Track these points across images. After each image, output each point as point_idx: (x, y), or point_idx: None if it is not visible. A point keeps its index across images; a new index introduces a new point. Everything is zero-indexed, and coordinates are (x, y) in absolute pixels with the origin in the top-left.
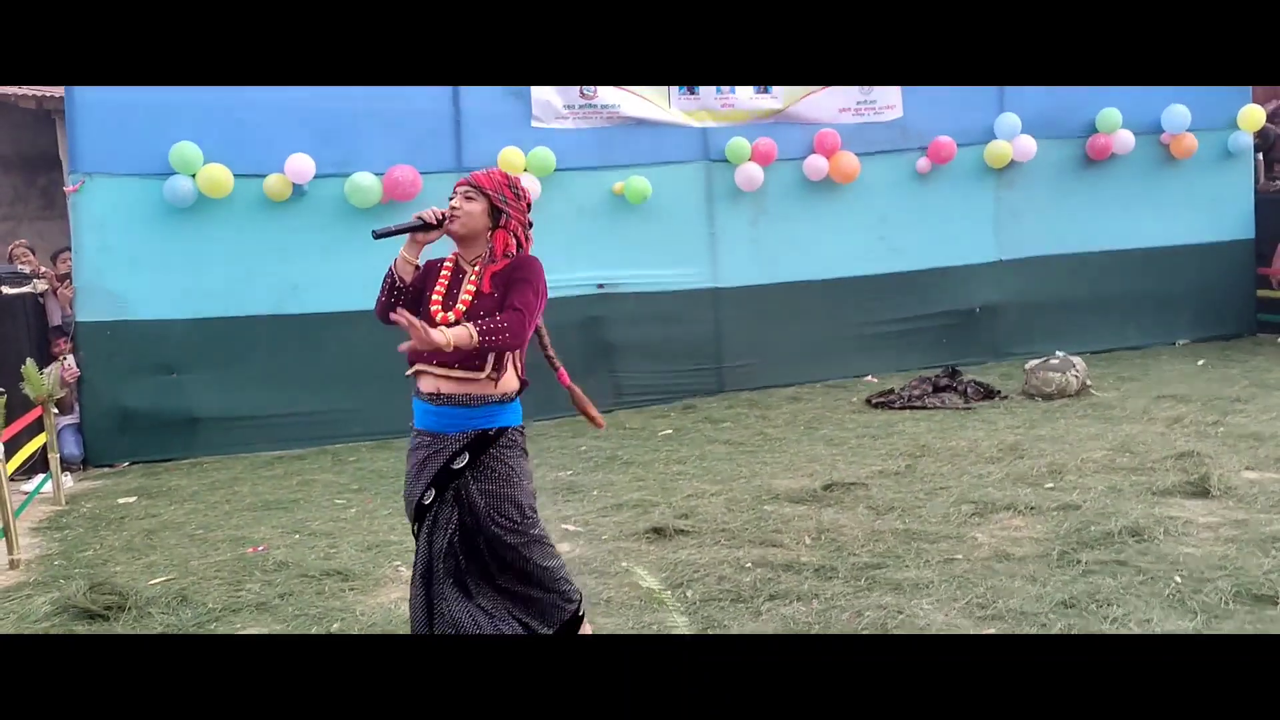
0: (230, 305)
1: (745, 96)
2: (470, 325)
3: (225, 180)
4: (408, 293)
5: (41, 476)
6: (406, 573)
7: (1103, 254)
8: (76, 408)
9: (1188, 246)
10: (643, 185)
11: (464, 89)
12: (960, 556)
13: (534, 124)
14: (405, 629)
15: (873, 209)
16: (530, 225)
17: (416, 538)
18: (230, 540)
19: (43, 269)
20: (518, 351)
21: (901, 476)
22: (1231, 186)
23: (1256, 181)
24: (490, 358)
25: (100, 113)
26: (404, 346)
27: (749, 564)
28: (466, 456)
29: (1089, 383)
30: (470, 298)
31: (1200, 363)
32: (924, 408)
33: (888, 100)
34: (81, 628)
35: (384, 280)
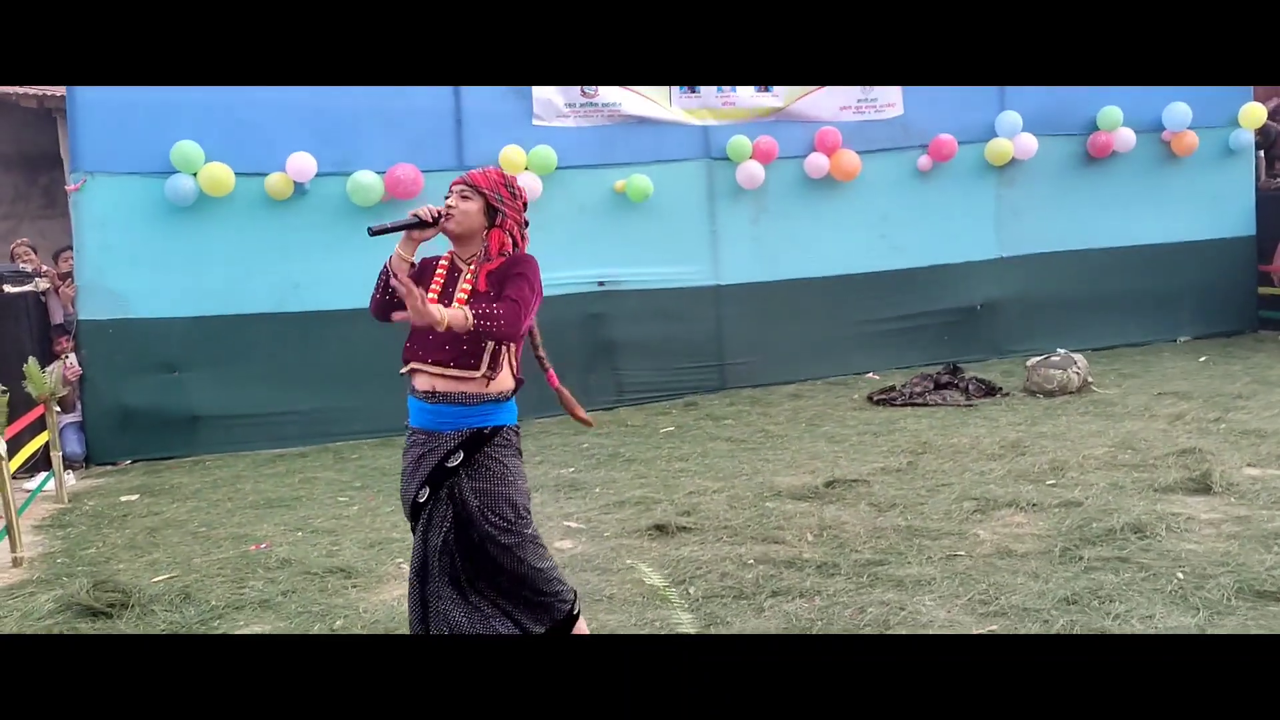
0: (232, 304)
1: (746, 95)
2: (467, 309)
3: (226, 179)
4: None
5: (44, 475)
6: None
7: (1104, 251)
8: (78, 406)
9: (1189, 243)
10: (644, 184)
11: (465, 87)
12: (962, 553)
13: (535, 122)
14: (407, 626)
15: (874, 207)
16: (526, 224)
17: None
18: (233, 538)
19: (44, 267)
20: (513, 350)
21: (903, 473)
22: (1233, 183)
23: (1257, 178)
24: (486, 357)
25: (102, 111)
26: (399, 315)
27: (751, 561)
28: (461, 455)
29: (1090, 380)
30: (466, 296)
31: (1202, 359)
32: (925, 405)
33: (888, 98)
34: (85, 625)
35: (379, 277)
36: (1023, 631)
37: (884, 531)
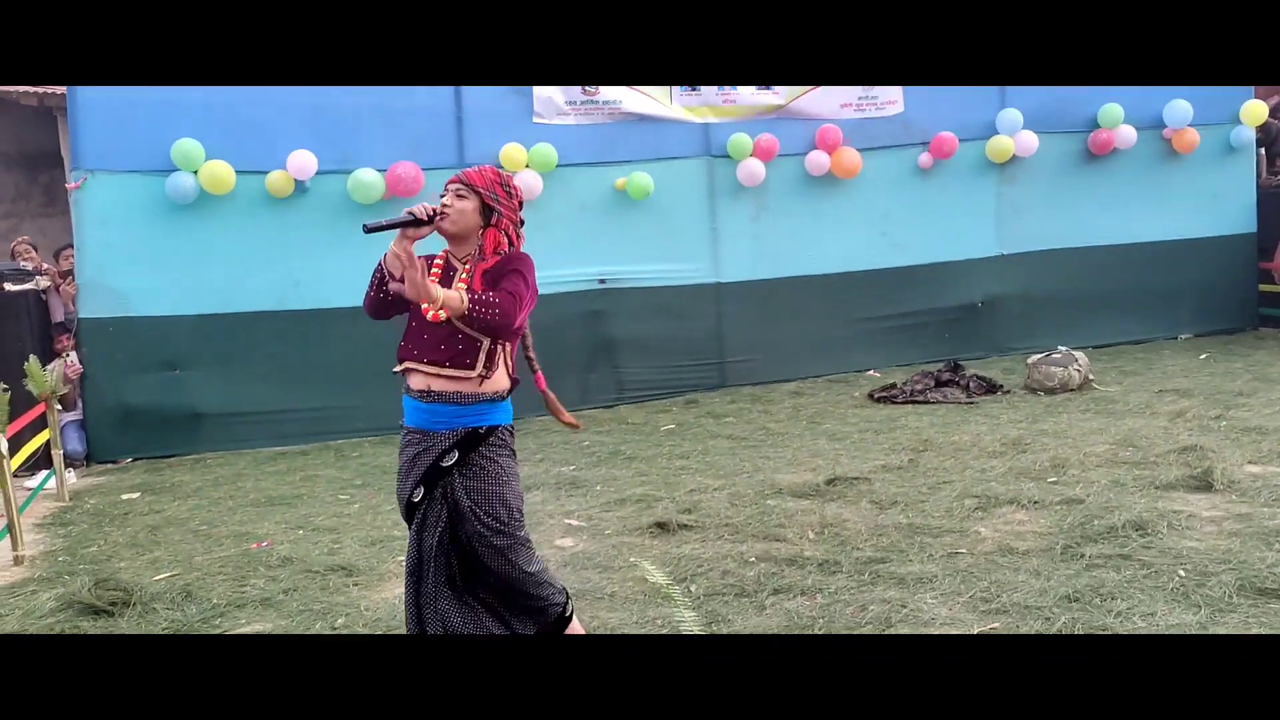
0: (233, 301)
1: (747, 92)
2: (464, 292)
3: (227, 177)
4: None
5: (45, 473)
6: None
7: (1105, 249)
8: (79, 404)
9: (1190, 241)
10: (645, 181)
11: (466, 85)
12: (964, 551)
13: (536, 120)
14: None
15: (875, 204)
16: (522, 224)
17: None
18: (234, 536)
19: (45, 266)
20: (508, 349)
21: (904, 471)
22: (1233, 181)
23: (1258, 176)
24: (482, 356)
25: (102, 110)
26: (395, 287)
27: (752, 558)
28: (456, 454)
29: (1091, 377)
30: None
31: (1203, 357)
32: (926, 402)
33: (889, 96)
34: (87, 624)
35: (373, 275)
36: (1024, 629)
37: (885, 529)
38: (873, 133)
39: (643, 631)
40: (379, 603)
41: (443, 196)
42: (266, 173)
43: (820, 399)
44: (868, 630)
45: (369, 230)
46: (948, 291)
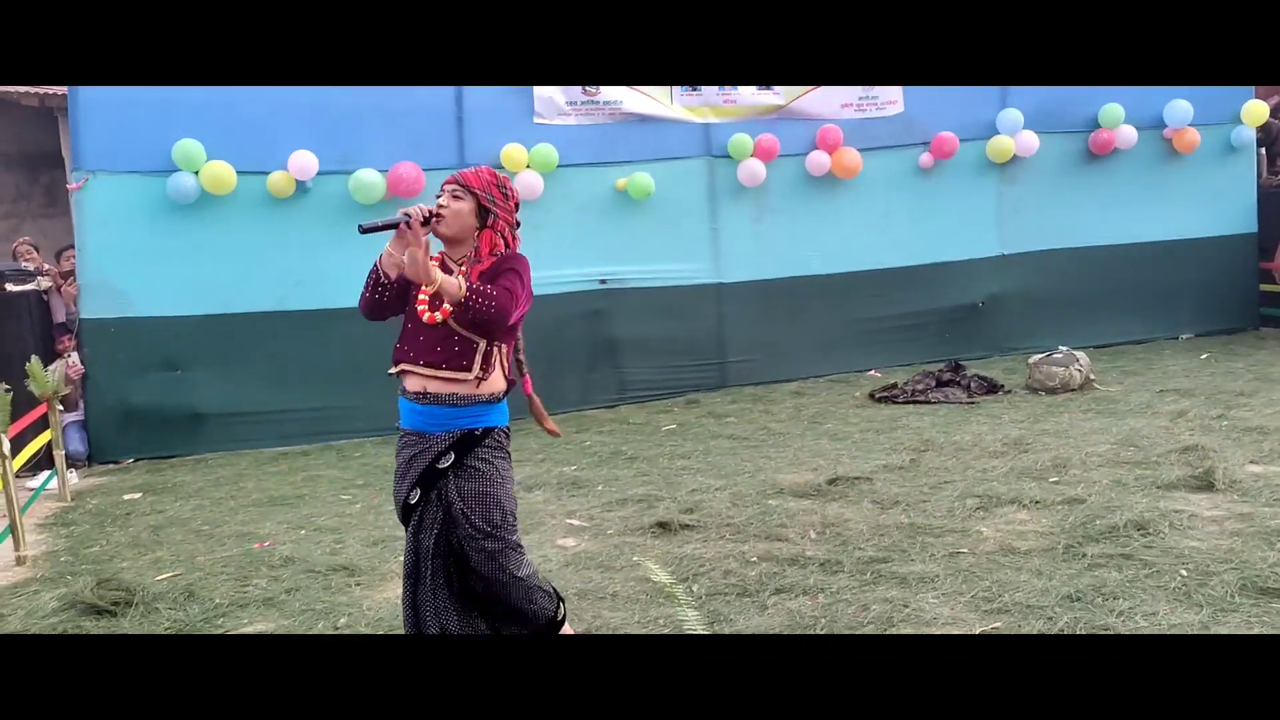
0: (234, 302)
1: (747, 92)
2: (462, 279)
3: (228, 177)
4: (392, 289)
5: (47, 473)
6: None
7: (1105, 249)
8: (81, 404)
9: (1190, 241)
10: (647, 181)
11: (466, 85)
12: (965, 550)
13: (536, 120)
14: None
15: (875, 204)
16: (518, 225)
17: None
18: (236, 536)
19: (46, 266)
20: (504, 351)
21: (906, 471)
22: (1234, 181)
23: (1259, 176)
24: (478, 358)
25: (103, 110)
26: (394, 267)
27: (754, 558)
28: (452, 456)
29: (1092, 377)
30: None
31: (1204, 357)
32: (928, 402)
33: (890, 96)
34: (89, 623)
35: (369, 276)
36: (1026, 628)
37: (887, 529)
38: (873, 133)
39: (645, 631)
40: (381, 602)
41: (439, 197)
42: (267, 173)
43: (821, 399)
44: (869, 630)
45: (364, 231)
46: (949, 291)
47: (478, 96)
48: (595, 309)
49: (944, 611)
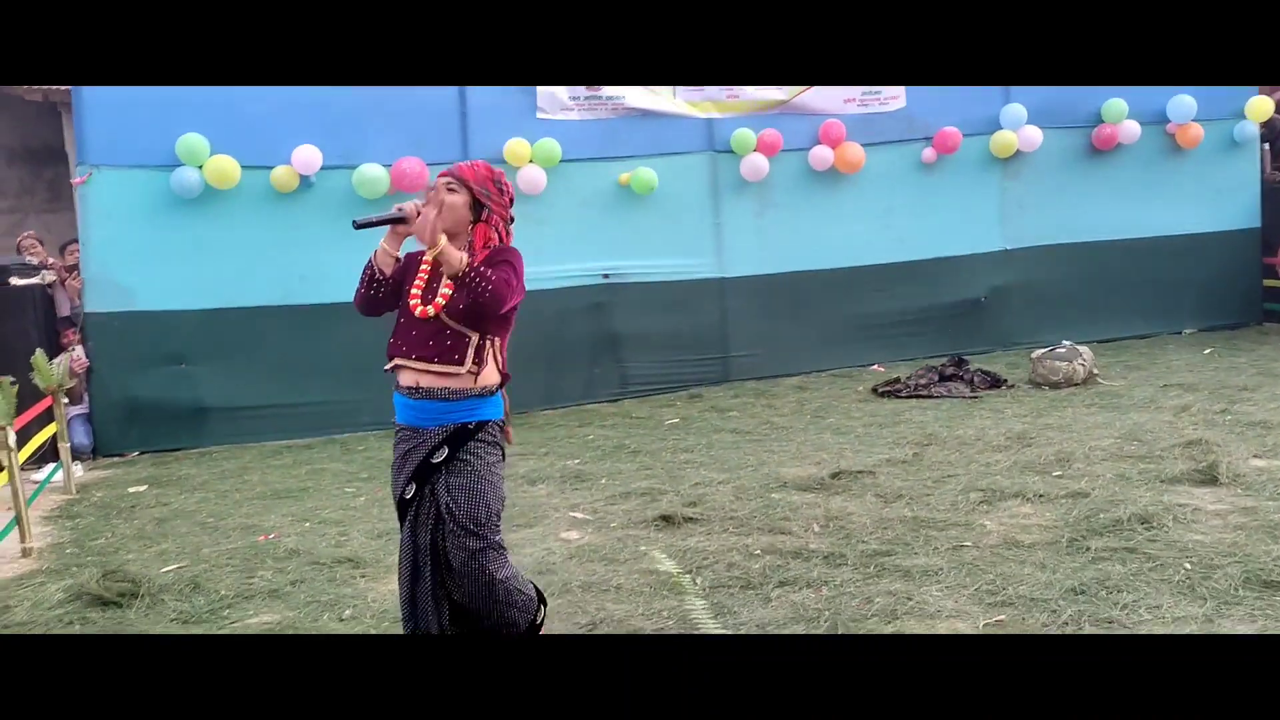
0: (238, 296)
1: (750, 88)
2: (465, 255)
3: (232, 171)
4: (387, 285)
5: (52, 466)
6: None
7: (1109, 243)
8: (86, 398)
9: (1194, 236)
10: (650, 176)
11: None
12: (969, 544)
13: (539, 115)
14: None
15: (878, 199)
16: (512, 220)
17: (402, 532)
18: (241, 528)
19: (51, 260)
20: (498, 344)
21: (909, 465)
22: (1237, 176)
23: (1262, 171)
24: (470, 351)
25: (107, 105)
26: (389, 263)
27: (758, 551)
28: (445, 450)
29: (1096, 371)
30: (450, 291)
31: (1207, 351)
32: (931, 397)
33: (892, 91)
34: (95, 615)
35: (363, 272)
36: (1030, 621)
37: (890, 522)
38: (876, 128)
39: (649, 623)
40: (386, 594)
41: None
42: (271, 168)
43: (824, 393)
44: (873, 622)
45: (358, 227)
46: (951, 286)
47: (481, 92)
48: (598, 303)
49: (948, 604)
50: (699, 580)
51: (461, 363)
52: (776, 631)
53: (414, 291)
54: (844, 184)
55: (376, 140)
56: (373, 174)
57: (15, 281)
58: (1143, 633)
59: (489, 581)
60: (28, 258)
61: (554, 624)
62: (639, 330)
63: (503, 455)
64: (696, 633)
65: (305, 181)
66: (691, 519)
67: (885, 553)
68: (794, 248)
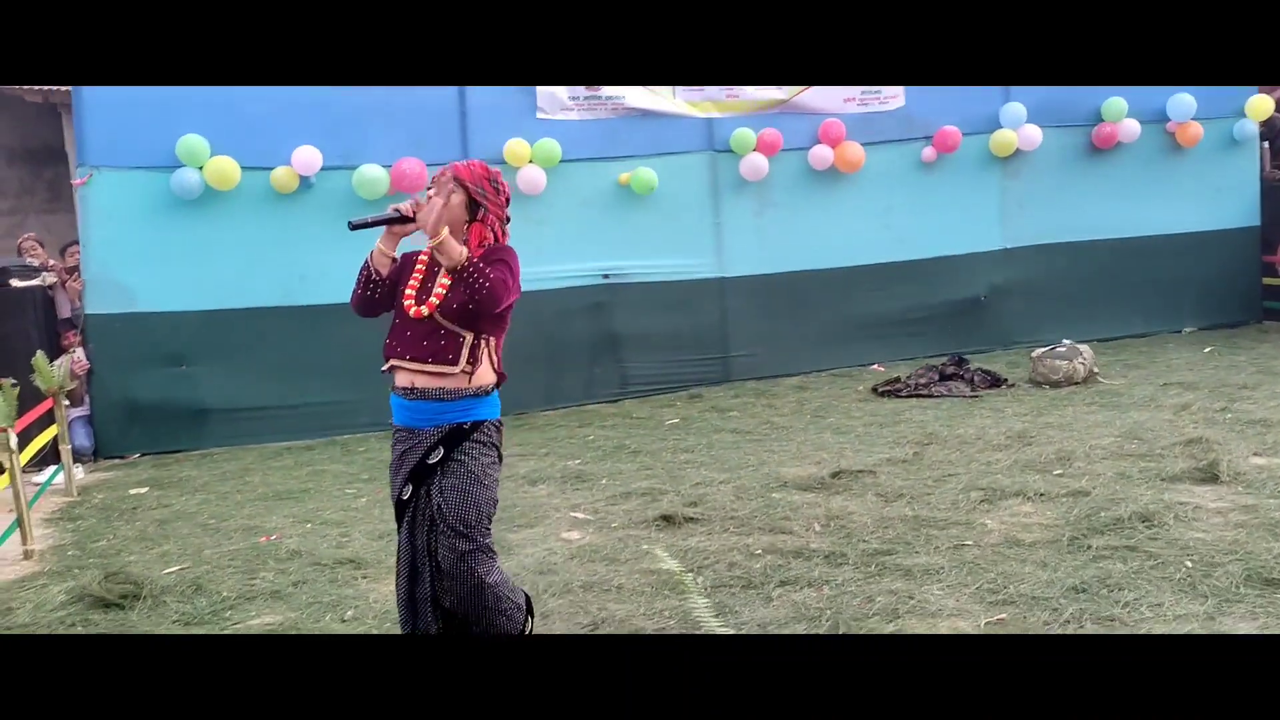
0: (238, 297)
1: (750, 87)
2: (466, 250)
3: (232, 172)
4: (383, 285)
5: (53, 468)
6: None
7: (1108, 242)
8: (86, 400)
9: (1193, 234)
10: (650, 176)
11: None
12: (970, 543)
13: (539, 116)
14: None
15: (878, 198)
16: (508, 220)
17: (399, 533)
18: (243, 530)
19: (51, 262)
20: (493, 344)
21: (909, 464)
22: (1237, 174)
23: (1262, 169)
24: (464, 351)
25: (107, 106)
26: (385, 263)
27: (759, 551)
28: (441, 451)
29: (1096, 370)
30: (444, 291)
31: (1207, 350)
32: (931, 396)
33: (891, 90)
34: (97, 616)
35: (360, 272)
36: (1031, 619)
37: (891, 521)
38: (876, 127)
39: (650, 623)
40: (387, 594)
41: (429, 190)
42: (271, 169)
43: (824, 393)
44: (875, 621)
45: (354, 227)
46: (951, 286)
47: (481, 92)
48: (598, 303)
49: (949, 603)
50: (700, 580)
51: (455, 362)
52: (778, 631)
53: (408, 292)
54: (844, 183)
55: (376, 141)
56: (373, 174)
57: (16, 283)
58: (1144, 631)
59: (478, 585)
60: (28, 259)
61: (555, 624)
62: (639, 330)
63: (499, 457)
64: (697, 633)
65: (305, 182)
66: (692, 519)
67: (886, 552)
68: (794, 247)
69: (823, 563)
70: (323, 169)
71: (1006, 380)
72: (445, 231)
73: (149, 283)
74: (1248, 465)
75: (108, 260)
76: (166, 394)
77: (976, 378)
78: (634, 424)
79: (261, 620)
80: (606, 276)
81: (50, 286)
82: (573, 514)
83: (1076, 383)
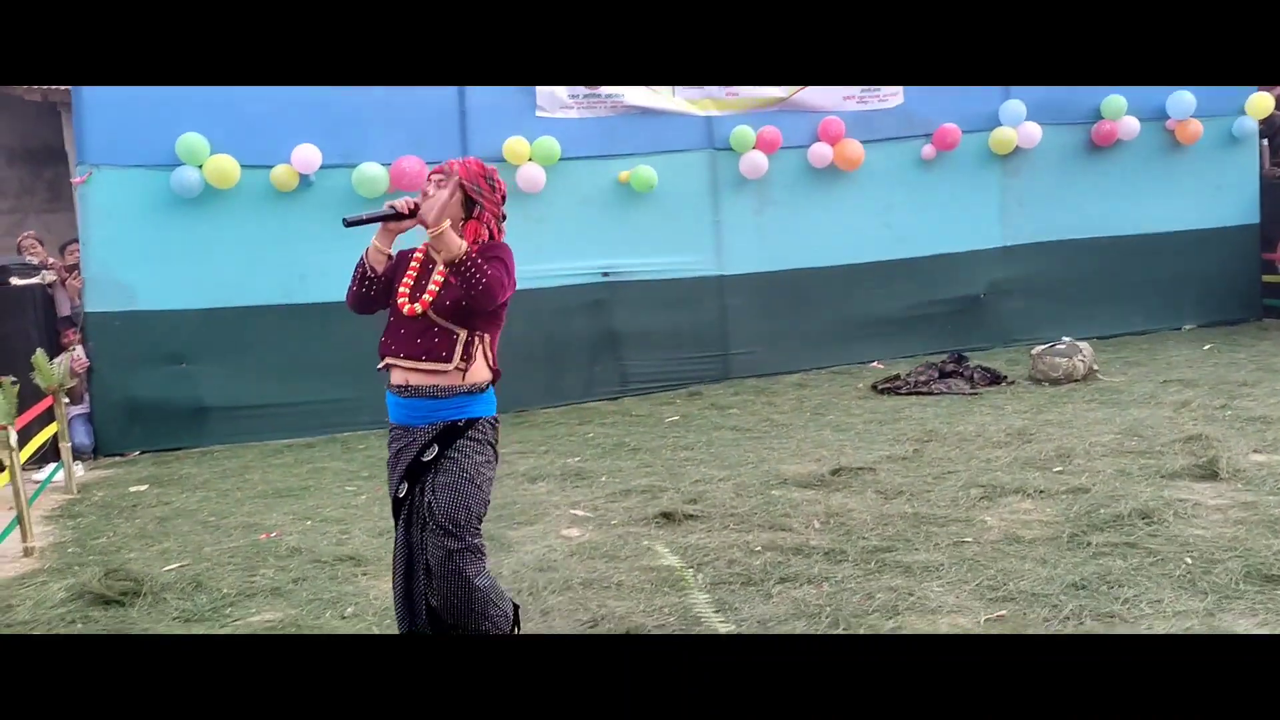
0: (238, 295)
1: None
2: (464, 242)
3: (232, 171)
4: (379, 282)
5: (53, 466)
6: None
7: (1108, 239)
8: (86, 397)
9: (1193, 232)
10: (650, 174)
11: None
12: (970, 539)
13: (539, 114)
14: None
15: (878, 196)
16: (504, 218)
17: (396, 531)
18: (242, 527)
19: (51, 260)
20: (488, 340)
21: (909, 461)
22: (1237, 172)
23: (1261, 166)
24: (458, 348)
25: (107, 105)
26: (381, 260)
27: (758, 548)
28: (435, 449)
29: (1095, 367)
30: (438, 288)
31: (1206, 347)
32: (930, 394)
33: (891, 88)
34: (97, 613)
35: (355, 269)
36: (1031, 616)
37: (891, 519)
38: (875, 125)
39: (650, 619)
40: (388, 592)
41: (426, 187)
42: (271, 167)
43: (824, 390)
44: (874, 618)
45: (348, 224)
46: (951, 283)
47: (480, 91)
48: (598, 301)
49: (949, 600)
50: (700, 577)
51: (449, 360)
52: (778, 628)
53: (402, 289)
54: (843, 181)
55: (376, 139)
56: (372, 173)
57: (15, 281)
58: (1144, 627)
59: (465, 586)
60: (28, 258)
61: (555, 620)
62: (639, 328)
63: (495, 454)
64: (697, 631)
65: (305, 181)
66: (692, 516)
67: (886, 549)
68: (793, 245)
69: (822, 559)
70: (322, 167)
71: (1006, 377)
72: (446, 223)
73: (149, 281)
74: (1247, 462)
75: (107, 258)
76: (166, 392)
77: (976, 375)
78: (634, 421)
79: (261, 617)
80: (606, 274)
81: (50, 285)
82: (573, 511)
83: (1076, 380)
